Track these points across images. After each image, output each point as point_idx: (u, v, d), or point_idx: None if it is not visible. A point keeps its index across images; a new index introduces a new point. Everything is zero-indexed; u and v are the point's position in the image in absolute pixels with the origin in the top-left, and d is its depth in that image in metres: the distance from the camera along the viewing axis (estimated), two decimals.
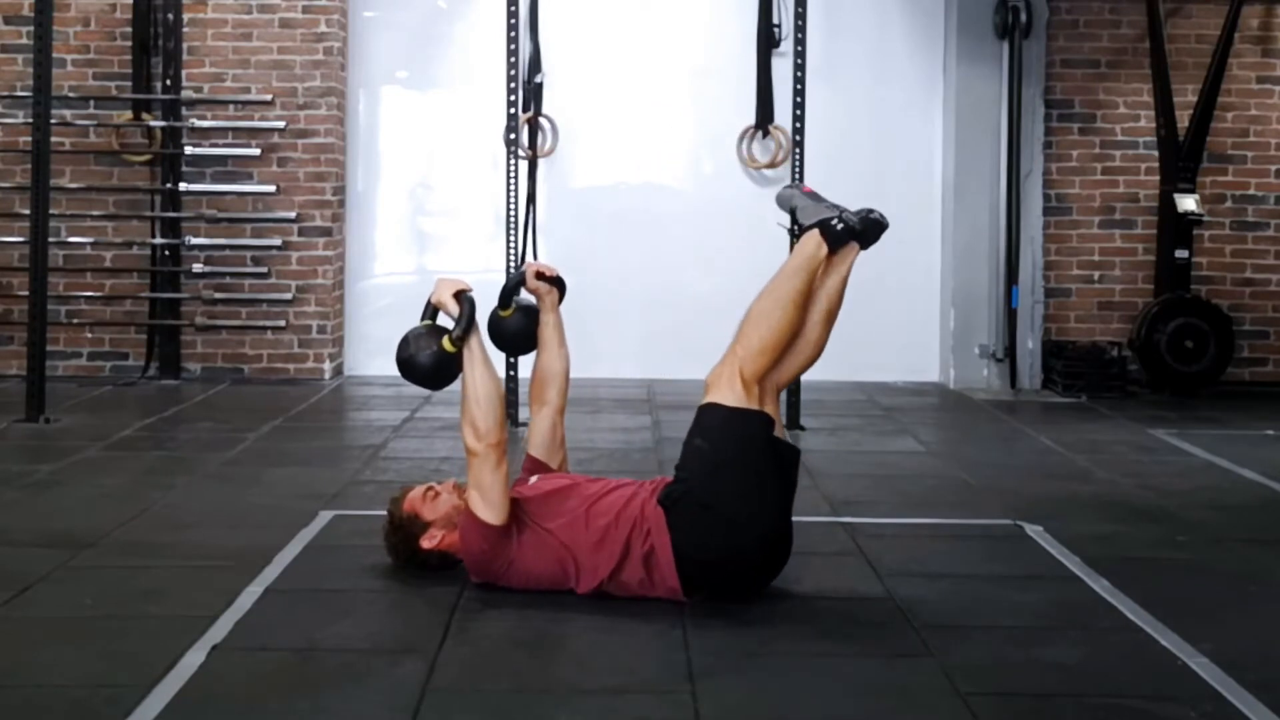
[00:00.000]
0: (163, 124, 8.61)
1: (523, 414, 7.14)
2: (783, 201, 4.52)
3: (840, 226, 4.12)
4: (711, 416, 4.02)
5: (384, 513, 4.30)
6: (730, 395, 3.99)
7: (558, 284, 4.46)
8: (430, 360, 4.07)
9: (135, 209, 8.71)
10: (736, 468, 3.95)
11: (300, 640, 3.67)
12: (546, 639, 3.74)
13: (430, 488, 4.20)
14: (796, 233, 4.35)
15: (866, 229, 4.15)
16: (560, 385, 4.44)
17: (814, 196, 4.37)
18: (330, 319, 8.79)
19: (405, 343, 4.13)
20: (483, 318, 4.29)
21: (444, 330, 4.10)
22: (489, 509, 3.98)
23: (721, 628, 3.78)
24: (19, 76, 8.55)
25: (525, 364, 6.36)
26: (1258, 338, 8.94)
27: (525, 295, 4.50)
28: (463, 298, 4.09)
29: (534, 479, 4.25)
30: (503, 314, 4.46)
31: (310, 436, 6.88)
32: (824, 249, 4.11)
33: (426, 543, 4.14)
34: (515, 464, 4.55)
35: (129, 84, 8.64)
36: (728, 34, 9.01)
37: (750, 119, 8.98)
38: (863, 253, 4.21)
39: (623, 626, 3.79)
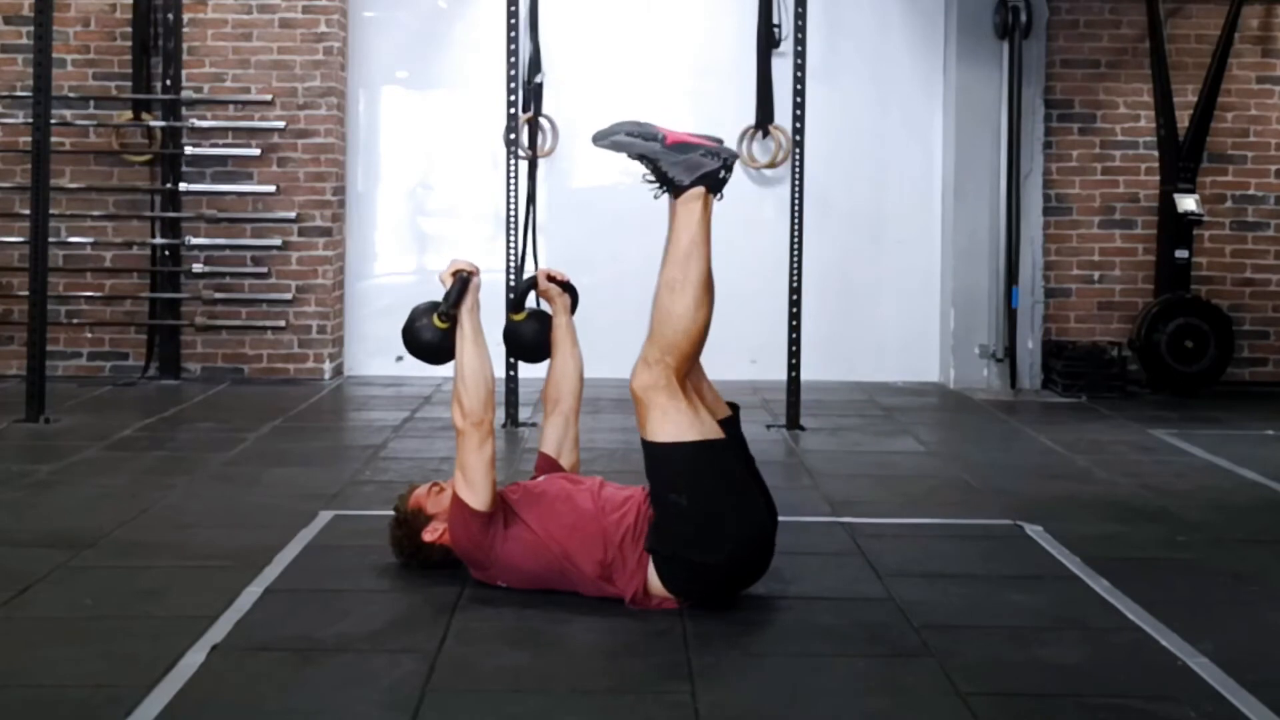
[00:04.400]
0: (163, 124, 8.62)
1: (523, 414, 7.16)
2: (619, 144, 3.82)
3: (724, 176, 3.82)
4: (675, 462, 3.80)
5: (384, 512, 4.31)
6: (676, 417, 3.80)
7: (569, 290, 4.50)
8: (423, 334, 4.17)
9: (135, 209, 8.71)
10: (719, 503, 3.83)
11: (300, 640, 3.67)
12: (546, 639, 3.73)
13: (436, 483, 4.22)
14: (662, 188, 3.84)
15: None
16: (574, 388, 4.45)
17: (655, 136, 3.77)
18: (330, 319, 8.79)
19: (410, 316, 4.23)
20: (492, 317, 4.30)
21: None
22: (470, 490, 3.98)
23: (721, 628, 3.78)
24: (19, 76, 8.55)
25: (527, 365, 6.36)
26: (1258, 338, 8.94)
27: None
28: (457, 275, 4.15)
29: (541, 479, 4.24)
30: (515, 317, 4.49)
31: (310, 436, 6.88)
32: (711, 203, 3.84)
33: (428, 535, 4.14)
34: (516, 467, 4.55)
35: (129, 84, 8.64)
36: (728, 34, 9.01)
37: (750, 119, 8.98)
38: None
39: (623, 626, 3.79)
